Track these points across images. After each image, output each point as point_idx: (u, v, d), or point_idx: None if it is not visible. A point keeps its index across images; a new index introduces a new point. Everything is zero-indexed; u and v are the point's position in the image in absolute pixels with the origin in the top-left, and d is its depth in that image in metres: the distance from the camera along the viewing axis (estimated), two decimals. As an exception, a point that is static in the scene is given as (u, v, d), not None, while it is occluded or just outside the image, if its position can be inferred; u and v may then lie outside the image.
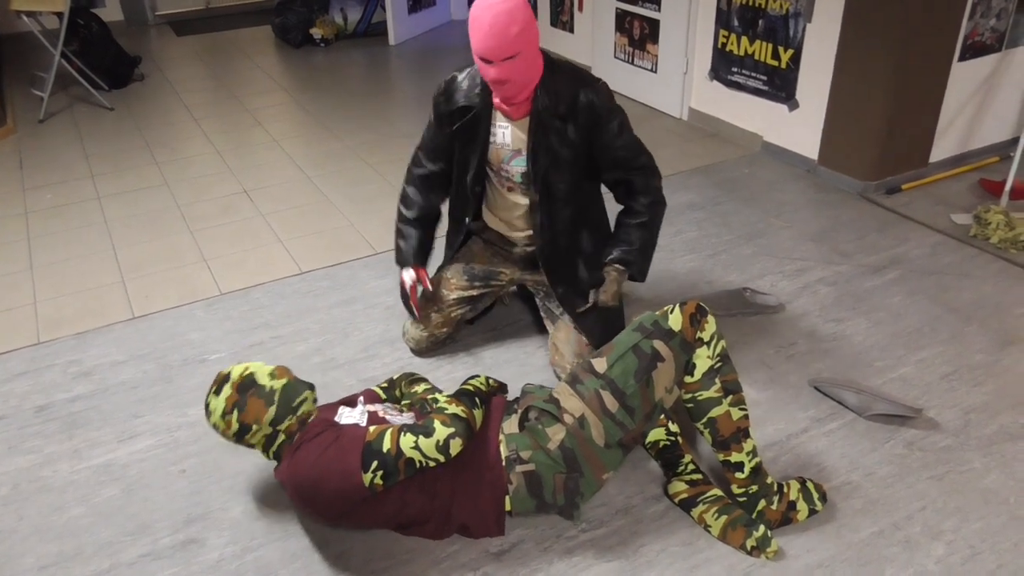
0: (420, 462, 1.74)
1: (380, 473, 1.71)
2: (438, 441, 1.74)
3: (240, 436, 1.85)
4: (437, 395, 1.97)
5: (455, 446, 1.76)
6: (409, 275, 2.45)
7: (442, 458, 1.75)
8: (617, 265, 2.28)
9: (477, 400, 1.90)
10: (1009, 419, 2.23)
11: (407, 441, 1.73)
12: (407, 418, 1.91)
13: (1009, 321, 2.65)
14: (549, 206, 2.30)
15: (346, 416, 1.87)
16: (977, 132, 3.79)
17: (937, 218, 3.32)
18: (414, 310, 2.47)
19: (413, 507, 1.79)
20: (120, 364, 2.57)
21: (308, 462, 1.75)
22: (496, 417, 1.93)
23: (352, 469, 1.71)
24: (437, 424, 1.77)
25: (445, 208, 2.56)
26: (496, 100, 2.20)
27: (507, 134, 2.24)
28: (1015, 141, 3.48)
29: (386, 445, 1.73)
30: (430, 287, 2.45)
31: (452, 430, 1.76)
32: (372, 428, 1.78)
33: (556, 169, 2.24)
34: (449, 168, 2.41)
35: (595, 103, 2.16)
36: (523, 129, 2.22)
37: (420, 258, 2.48)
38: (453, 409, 1.81)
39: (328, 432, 1.78)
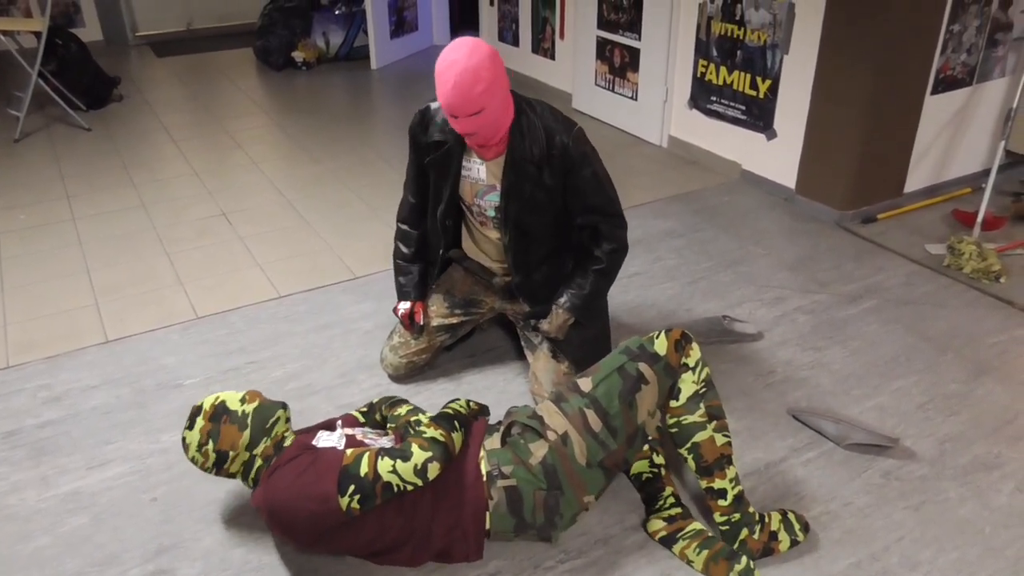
0: (398, 486, 1.72)
1: (357, 497, 1.69)
2: (416, 465, 1.73)
3: (219, 466, 1.84)
4: (420, 416, 1.95)
5: (433, 470, 1.74)
6: (405, 306, 2.48)
7: (420, 482, 1.74)
8: (564, 307, 2.31)
9: (457, 423, 1.89)
10: (983, 449, 2.25)
11: (385, 465, 1.72)
12: (386, 442, 1.89)
13: (982, 351, 2.68)
14: (524, 245, 2.31)
15: (324, 439, 1.85)
16: (950, 164, 3.86)
17: (912, 248, 3.37)
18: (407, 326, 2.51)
19: (392, 529, 1.76)
20: (92, 389, 2.52)
21: (283, 485, 1.72)
22: (476, 440, 1.92)
23: (329, 493, 1.69)
24: (415, 448, 1.75)
25: None
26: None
27: (482, 169, 2.24)
28: (986, 173, 3.55)
29: (363, 469, 1.71)
30: (421, 321, 2.46)
31: (430, 454, 1.75)
32: (350, 451, 1.76)
33: (530, 212, 2.23)
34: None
35: (569, 149, 2.14)
36: (498, 167, 2.21)
37: (420, 293, 2.51)
38: (431, 432, 1.80)
39: (304, 455, 1.76)
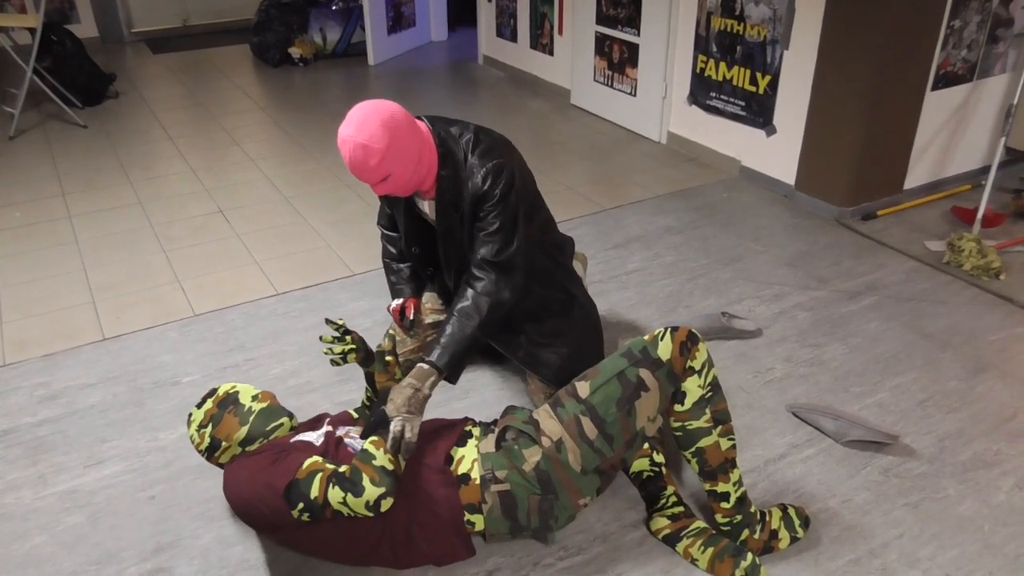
0: (349, 515, 1.69)
1: (307, 514, 1.68)
2: (367, 501, 1.66)
3: (211, 452, 1.87)
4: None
5: (386, 505, 1.68)
6: (397, 302, 2.44)
7: (372, 515, 1.69)
8: (424, 365, 1.95)
9: None
10: (983, 446, 2.24)
11: (335, 495, 1.66)
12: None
13: (982, 348, 2.68)
14: None
15: (303, 437, 1.85)
16: (950, 160, 3.85)
17: (911, 245, 3.36)
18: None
19: (358, 525, 1.74)
20: (89, 387, 2.51)
21: (241, 478, 1.74)
22: (444, 444, 1.86)
23: (278, 501, 1.68)
24: (366, 482, 1.67)
25: None
26: None
27: (428, 206, 2.17)
28: (986, 170, 3.54)
29: (313, 491, 1.67)
30: (411, 316, 2.43)
31: (383, 490, 1.66)
32: (307, 462, 1.71)
33: (464, 259, 2.14)
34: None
35: (481, 193, 2.02)
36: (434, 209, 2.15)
37: (412, 290, 2.47)
38: (381, 460, 1.70)
39: (268, 452, 1.76)
